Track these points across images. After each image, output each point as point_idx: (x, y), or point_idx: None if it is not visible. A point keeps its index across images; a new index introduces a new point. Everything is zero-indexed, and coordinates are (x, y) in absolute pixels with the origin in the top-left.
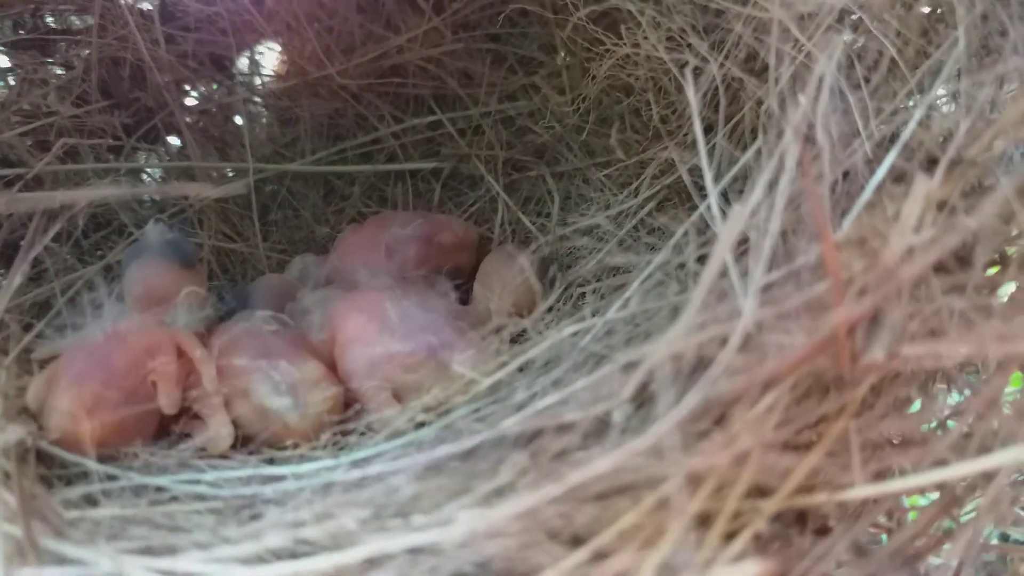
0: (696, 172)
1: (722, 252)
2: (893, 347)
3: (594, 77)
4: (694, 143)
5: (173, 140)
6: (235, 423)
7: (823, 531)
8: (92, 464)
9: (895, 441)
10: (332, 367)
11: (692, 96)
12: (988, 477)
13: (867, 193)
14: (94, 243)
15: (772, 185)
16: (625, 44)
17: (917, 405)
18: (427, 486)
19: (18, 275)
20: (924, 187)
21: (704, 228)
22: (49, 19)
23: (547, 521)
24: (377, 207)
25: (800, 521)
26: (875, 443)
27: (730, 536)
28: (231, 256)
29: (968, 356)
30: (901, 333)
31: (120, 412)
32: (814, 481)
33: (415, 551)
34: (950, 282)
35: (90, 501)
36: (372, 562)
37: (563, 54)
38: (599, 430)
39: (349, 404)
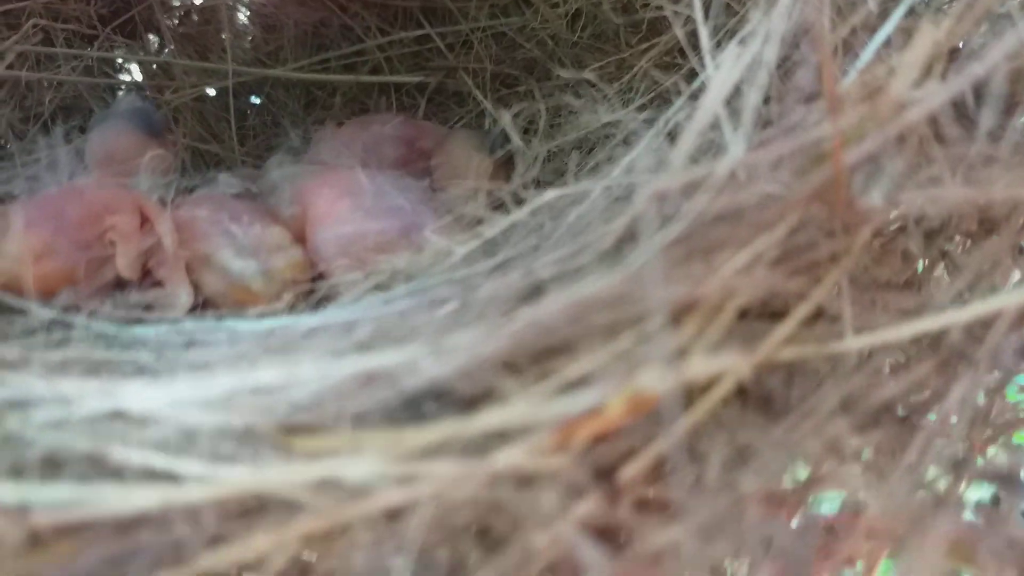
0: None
1: (717, 91)
2: (892, 193)
3: None
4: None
5: (153, 38)
6: (196, 288)
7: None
8: (34, 307)
9: (891, 296)
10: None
11: None
12: (987, 326)
13: (874, 43)
14: (65, 132)
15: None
16: None
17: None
18: (387, 325)
19: None
20: (930, 33)
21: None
22: None
23: (516, 347)
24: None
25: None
26: (871, 297)
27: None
28: (205, 157)
29: (970, 202)
30: (901, 180)
31: (70, 260)
32: (804, 335)
33: (370, 377)
34: (956, 132)
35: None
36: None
37: None
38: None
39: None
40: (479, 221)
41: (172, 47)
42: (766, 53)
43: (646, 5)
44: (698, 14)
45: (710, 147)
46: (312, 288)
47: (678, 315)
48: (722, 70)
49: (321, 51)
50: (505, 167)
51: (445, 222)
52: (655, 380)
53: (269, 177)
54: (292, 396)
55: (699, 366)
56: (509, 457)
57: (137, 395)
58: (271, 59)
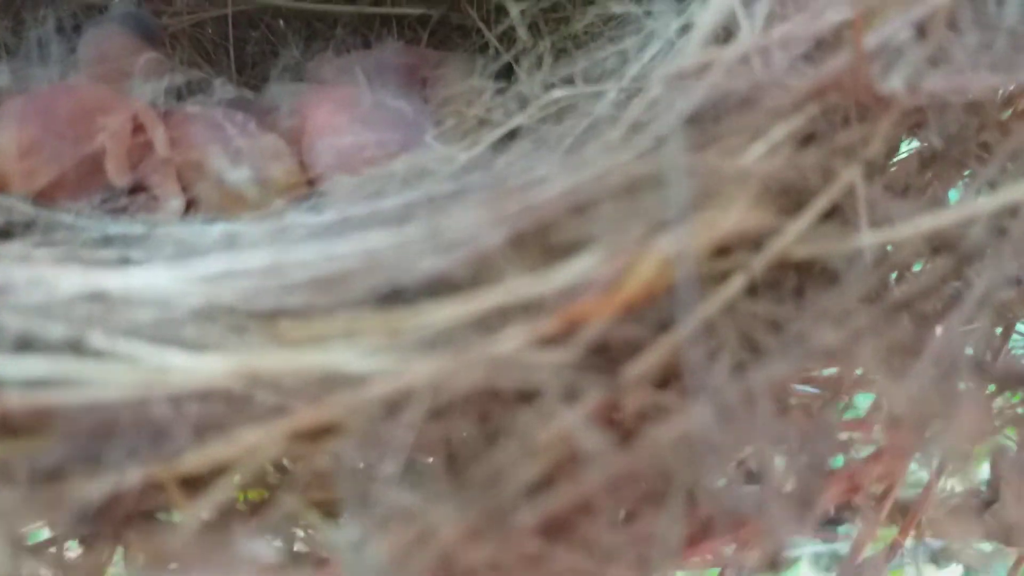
0: None
1: None
2: (914, 80)
3: None
4: None
5: None
6: (187, 195)
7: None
8: (17, 204)
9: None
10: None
11: None
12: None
13: None
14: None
15: None
16: None
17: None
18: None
19: None
20: None
21: None
22: None
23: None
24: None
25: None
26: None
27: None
28: (202, 87)
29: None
30: (923, 67)
31: (58, 157)
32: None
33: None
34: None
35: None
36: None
37: None
38: None
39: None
40: (482, 123)
41: None
42: None
43: None
44: None
45: (727, 37)
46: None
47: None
48: None
49: None
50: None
51: (446, 129)
52: (674, 243)
53: (268, 93)
54: (282, 281)
55: (721, 224)
56: (510, 340)
57: (118, 278)
58: None
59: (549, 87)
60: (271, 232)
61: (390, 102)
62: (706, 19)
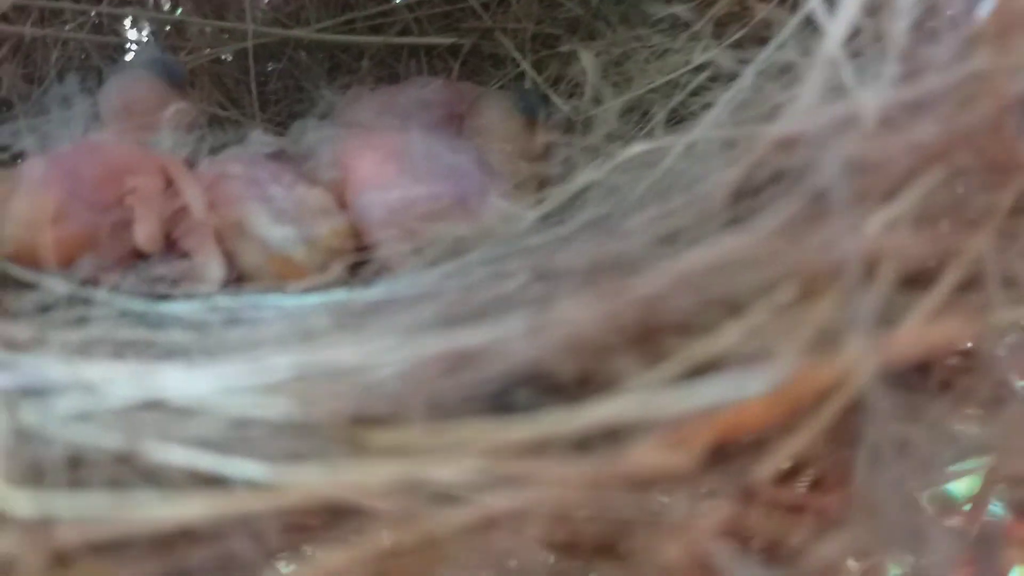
0: None
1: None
2: None
3: None
4: None
5: None
6: (228, 259)
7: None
8: (51, 281)
9: None
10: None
11: None
12: None
13: None
14: (79, 81)
15: None
16: None
17: None
18: (462, 298)
19: None
20: None
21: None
22: None
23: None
24: (387, 84)
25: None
26: None
27: None
28: (224, 126)
29: None
30: None
31: (87, 225)
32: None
33: (455, 358)
34: None
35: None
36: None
37: None
38: None
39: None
40: (546, 182)
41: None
42: None
43: None
44: None
45: (832, 89)
46: (360, 260)
47: (811, 285)
48: None
49: (346, 11)
50: (538, 129)
51: (505, 184)
52: (854, 352)
53: (303, 139)
54: (364, 381)
55: (914, 334)
56: (634, 457)
57: (176, 380)
58: (292, 20)
59: (617, 139)
60: (340, 316)
61: (438, 148)
62: (814, 76)
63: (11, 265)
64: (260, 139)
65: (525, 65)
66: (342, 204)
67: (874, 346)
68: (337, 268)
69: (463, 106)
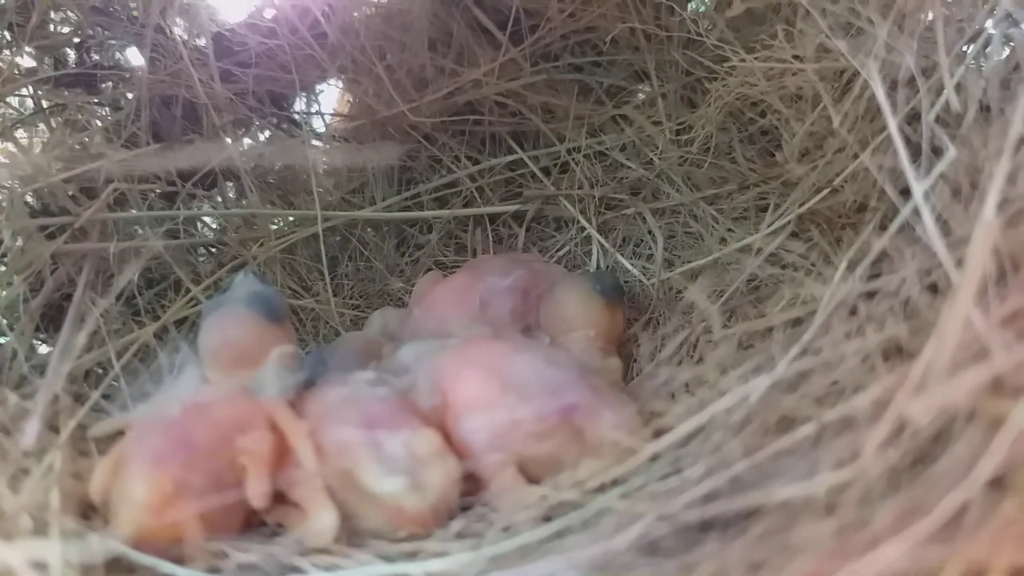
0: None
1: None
2: None
3: (711, 103)
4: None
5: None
6: (339, 510)
7: None
8: (176, 570)
9: None
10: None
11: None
12: None
13: None
14: (148, 301)
15: None
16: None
17: None
18: None
19: (69, 338)
20: None
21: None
22: (95, 55)
23: None
24: (455, 256)
25: None
26: None
27: None
28: (300, 314)
29: None
30: None
31: (208, 502)
32: None
33: None
34: None
35: None
36: None
37: (658, 81)
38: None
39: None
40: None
41: (252, 192)
42: None
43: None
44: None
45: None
46: (466, 505)
47: None
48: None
49: (409, 185)
50: (620, 311)
51: (612, 399)
52: None
53: (397, 359)
54: None
55: None
56: None
57: None
58: (356, 197)
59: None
60: None
61: (539, 359)
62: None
63: (132, 551)
64: (364, 376)
65: (591, 230)
66: (442, 428)
67: None
68: (456, 524)
69: (540, 288)
